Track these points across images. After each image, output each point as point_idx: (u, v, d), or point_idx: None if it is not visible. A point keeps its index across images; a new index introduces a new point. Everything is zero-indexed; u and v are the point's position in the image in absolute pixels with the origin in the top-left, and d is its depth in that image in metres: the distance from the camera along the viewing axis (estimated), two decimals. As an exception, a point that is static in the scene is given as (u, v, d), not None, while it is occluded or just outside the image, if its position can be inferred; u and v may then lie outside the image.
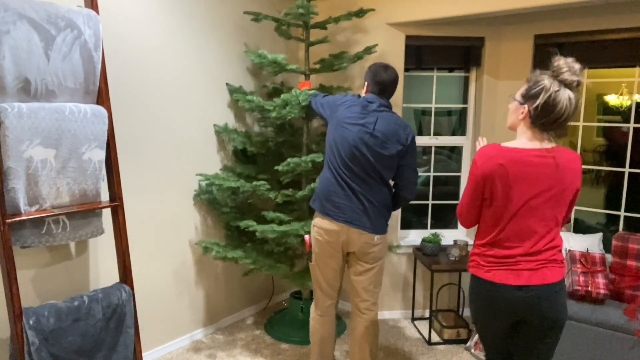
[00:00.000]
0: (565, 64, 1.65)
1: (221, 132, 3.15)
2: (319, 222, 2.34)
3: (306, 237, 2.46)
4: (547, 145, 1.71)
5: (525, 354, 1.83)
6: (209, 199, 3.09)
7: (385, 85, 2.33)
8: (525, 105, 1.71)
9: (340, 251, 2.36)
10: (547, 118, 1.66)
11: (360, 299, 2.41)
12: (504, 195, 1.70)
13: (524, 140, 1.72)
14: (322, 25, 3.16)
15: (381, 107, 2.31)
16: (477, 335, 3.00)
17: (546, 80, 1.66)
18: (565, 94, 1.63)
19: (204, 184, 3.09)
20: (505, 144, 1.73)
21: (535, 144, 1.71)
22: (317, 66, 3.32)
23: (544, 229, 1.72)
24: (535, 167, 1.68)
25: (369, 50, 3.12)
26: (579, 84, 1.65)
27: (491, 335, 1.85)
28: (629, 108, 3.04)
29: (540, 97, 1.65)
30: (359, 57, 3.13)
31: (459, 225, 3.68)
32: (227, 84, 3.20)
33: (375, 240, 2.31)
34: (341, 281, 2.48)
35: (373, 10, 3.12)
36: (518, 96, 1.77)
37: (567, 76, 1.64)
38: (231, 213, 3.18)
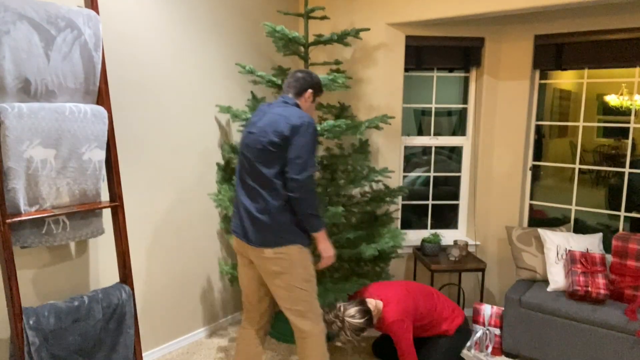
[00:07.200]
0: None
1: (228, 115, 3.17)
2: None
3: None
4: None
5: None
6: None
7: (286, 82, 2.24)
8: None
9: (250, 262, 2.26)
10: None
11: (290, 321, 2.24)
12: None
13: None
14: (323, 43, 3.04)
15: (279, 104, 2.17)
16: (477, 335, 3.01)
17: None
18: None
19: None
20: None
21: None
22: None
23: None
24: None
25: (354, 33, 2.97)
26: None
27: None
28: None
29: None
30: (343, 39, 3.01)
31: (459, 225, 3.68)
32: (217, 105, 3.21)
33: (265, 254, 2.09)
34: (262, 300, 2.33)
35: (368, 29, 3.00)
36: None
37: None
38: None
